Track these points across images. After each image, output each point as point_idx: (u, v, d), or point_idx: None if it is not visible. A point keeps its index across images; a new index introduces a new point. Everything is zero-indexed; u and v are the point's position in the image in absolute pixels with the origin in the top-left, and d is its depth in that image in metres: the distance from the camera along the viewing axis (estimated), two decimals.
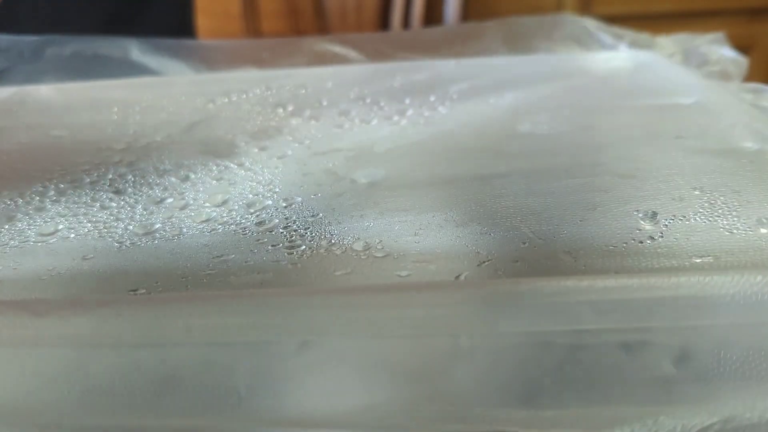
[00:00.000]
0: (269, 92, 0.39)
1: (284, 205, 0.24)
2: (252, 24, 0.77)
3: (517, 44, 0.47)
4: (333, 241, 0.21)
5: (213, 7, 0.97)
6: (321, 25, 0.78)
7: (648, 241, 0.21)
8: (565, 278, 0.18)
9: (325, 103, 0.37)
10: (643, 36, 0.46)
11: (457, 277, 0.19)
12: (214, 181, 0.26)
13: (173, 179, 0.27)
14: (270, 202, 0.24)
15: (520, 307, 0.17)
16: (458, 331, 0.18)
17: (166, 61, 0.44)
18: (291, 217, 0.23)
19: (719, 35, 0.42)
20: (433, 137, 0.31)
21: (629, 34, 0.46)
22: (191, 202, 0.25)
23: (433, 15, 0.74)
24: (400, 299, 0.17)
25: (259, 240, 0.21)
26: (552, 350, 0.18)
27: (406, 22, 0.73)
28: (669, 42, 0.45)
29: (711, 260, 0.20)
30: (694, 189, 0.24)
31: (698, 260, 0.20)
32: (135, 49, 0.45)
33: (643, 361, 0.19)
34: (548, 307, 0.17)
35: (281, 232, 0.22)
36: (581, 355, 0.18)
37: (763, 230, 0.22)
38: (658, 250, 0.21)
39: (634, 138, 0.29)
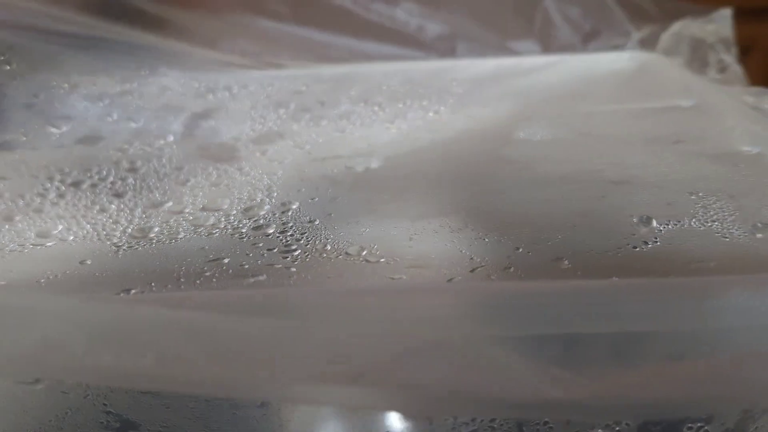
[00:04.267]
0: (271, 88, 0.39)
1: (282, 210, 0.24)
2: None
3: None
4: (328, 246, 0.21)
5: None
6: None
7: (642, 246, 0.21)
8: (556, 282, 0.18)
9: (326, 104, 0.37)
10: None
11: (449, 282, 0.19)
12: (213, 187, 0.27)
13: (173, 183, 0.27)
14: (268, 207, 0.24)
15: (510, 311, 0.17)
16: (447, 333, 0.18)
17: None
18: (288, 223, 0.23)
19: (726, 12, 0.42)
20: (433, 143, 0.31)
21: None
22: (189, 205, 0.25)
23: None
24: (390, 301, 0.17)
25: (255, 244, 0.22)
26: (542, 354, 0.18)
27: None
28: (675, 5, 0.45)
29: (705, 264, 0.20)
30: (690, 194, 0.24)
31: (692, 265, 0.20)
32: None
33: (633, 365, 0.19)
34: (538, 310, 0.17)
35: (277, 237, 0.22)
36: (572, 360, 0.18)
37: (758, 235, 0.22)
38: (653, 255, 0.21)
39: (632, 143, 0.29)
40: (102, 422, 0.18)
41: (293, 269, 0.20)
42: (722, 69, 0.41)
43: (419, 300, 0.17)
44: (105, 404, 0.18)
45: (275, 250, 0.21)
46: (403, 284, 0.19)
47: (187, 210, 0.24)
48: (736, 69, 0.40)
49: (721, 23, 0.41)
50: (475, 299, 0.18)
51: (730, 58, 0.41)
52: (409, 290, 0.18)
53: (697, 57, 0.42)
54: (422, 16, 0.44)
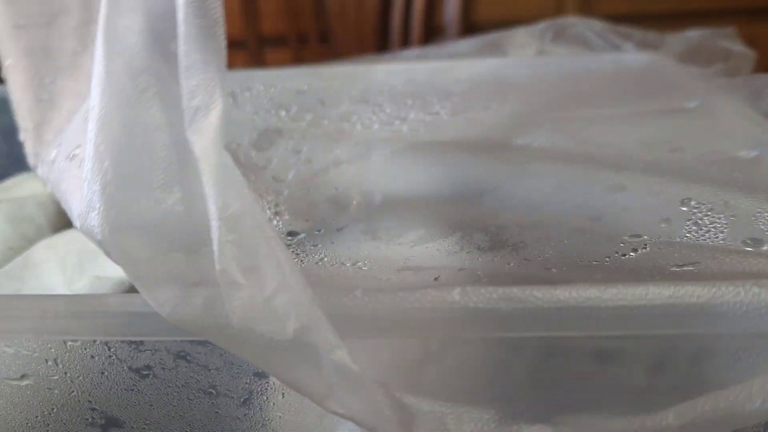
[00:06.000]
0: (273, 89, 0.39)
1: (289, 239, 0.24)
2: (252, 23, 0.76)
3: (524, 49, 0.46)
4: (325, 259, 0.22)
5: None
6: (321, 25, 0.77)
7: (631, 254, 0.21)
8: (538, 287, 0.18)
9: (327, 105, 0.37)
10: (652, 34, 0.45)
11: (436, 279, 0.20)
12: None
13: None
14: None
15: (493, 313, 0.17)
16: (430, 333, 0.18)
17: None
18: (291, 245, 0.23)
19: (730, 30, 0.42)
20: (433, 151, 0.31)
21: (637, 33, 0.46)
22: None
23: (433, 15, 0.73)
24: (373, 301, 0.17)
25: None
26: (523, 356, 0.18)
27: (406, 23, 0.73)
28: (679, 39, 0.45)
29: (691, 270, 0.20)
30: (682, 203, 0.24)
31: (677, 270, 0.20)
32: None
33: (616, 369, 0.19)
34: (521, 313, 0.17)
35: None
36: (553, 362, 0.18)
37: (747, 241, 0.21)
38: (640, 263, 0.21)
39: (630, 152, 0.29)
40: (87, 419, 0.18)
41: None
42: (727, 57, 0.40)
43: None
44: (90, 401, 0.18)
45: None
46: (390, 284, 0.19)
47: None
48: (741, 50, 0.40)
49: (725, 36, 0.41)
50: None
51: (736, 46, 0.40)
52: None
53: (703, 54, 0.42)
54: None
